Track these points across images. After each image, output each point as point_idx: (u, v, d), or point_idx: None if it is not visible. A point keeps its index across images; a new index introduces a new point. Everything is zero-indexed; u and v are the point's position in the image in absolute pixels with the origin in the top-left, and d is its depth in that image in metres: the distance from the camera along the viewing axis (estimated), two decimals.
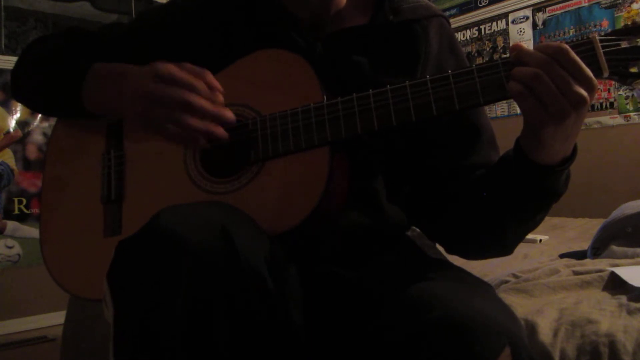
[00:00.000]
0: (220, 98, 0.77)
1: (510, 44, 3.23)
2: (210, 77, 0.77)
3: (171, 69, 0.75)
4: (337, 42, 0.85)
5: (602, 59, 0.66)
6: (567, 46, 0.65)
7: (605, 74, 0.67)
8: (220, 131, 0.75)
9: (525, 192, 0.73)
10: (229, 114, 0.76)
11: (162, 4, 0.96)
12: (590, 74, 0.64)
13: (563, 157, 0.71)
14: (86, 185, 0.88)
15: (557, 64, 0.64)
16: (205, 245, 0.59)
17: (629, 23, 2.67)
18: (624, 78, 0.68)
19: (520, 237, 0.82)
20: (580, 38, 0.69)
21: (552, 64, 0.64)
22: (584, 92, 0.64)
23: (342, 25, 0.88)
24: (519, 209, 0.76)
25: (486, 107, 0.81)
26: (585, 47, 0.67)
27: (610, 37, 0.68)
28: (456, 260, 0.90)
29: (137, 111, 0.77)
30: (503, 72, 0.68)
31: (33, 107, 0.99)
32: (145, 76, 0.76)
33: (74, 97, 0.85)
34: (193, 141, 0.76)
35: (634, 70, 0.67)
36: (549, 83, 0.64)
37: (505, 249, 0.84)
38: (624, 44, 0.67)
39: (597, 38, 0.67)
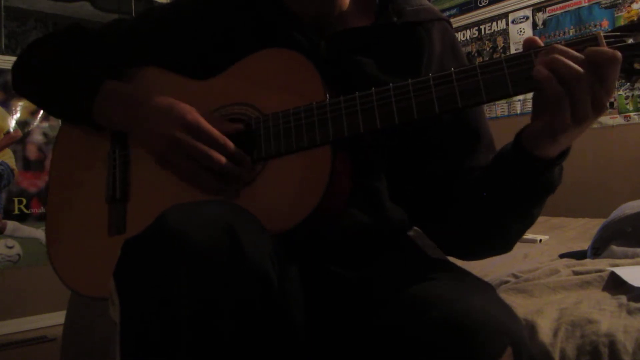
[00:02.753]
0: (248, 160, 0.78)
1: (510, 44, 3.24)
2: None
3: (200, 120, 0.76)
4: (340, 42, 0.86)
5: None
6: (620, 56, 0.62)
7: None
8: (230, 189, 0.77)
9: (524, 186, 0.74)
10: (245, 174, 0.77)
11: (164, 4, 0.96)
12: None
13: (561, 150, 0.72)
14: (92, 184, 0.89)
15: (601, 70, 0.63)
16: (211, 244, 0.59)
17: (635, 19, 2.66)
18: (629, 75, 0.66)
19: (519, 234, 0.83)
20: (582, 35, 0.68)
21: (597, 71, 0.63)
22: (607, 102, 0.64)
23: (344, 26, 0.88)
24: (518, 204, 0.76)
25: (486, 108, 0.81)
26: (590, 44, 0.65)
27: (615, 34, 0.66)
28: (456, 260, 0.90)
29: (158, 150, 0.78)
30: (507, 69, 0.68)
31: (35, 103, 0.99)
32: (170, 119, 0.77)
33: (84, 110, 0.86)
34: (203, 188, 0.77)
35: (639, 66, 0.65)
36: (584, 89, 0.63)
37: (504, 246, 0.84)
38: (629, 40, 0.66)
39: (602, 34, 0.65)
